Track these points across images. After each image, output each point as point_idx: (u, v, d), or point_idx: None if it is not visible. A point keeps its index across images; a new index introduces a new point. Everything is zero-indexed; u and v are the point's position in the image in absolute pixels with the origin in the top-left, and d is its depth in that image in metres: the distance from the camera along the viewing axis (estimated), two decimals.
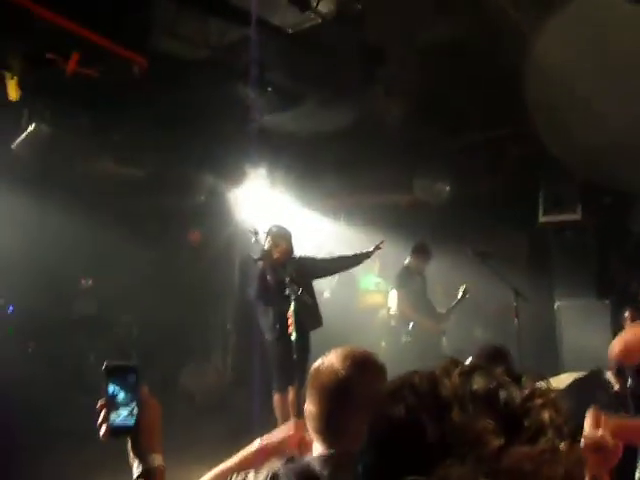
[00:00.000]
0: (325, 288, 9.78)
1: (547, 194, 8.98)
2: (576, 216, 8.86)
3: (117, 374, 1.61)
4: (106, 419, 1.59)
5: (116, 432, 1.60)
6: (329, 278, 8.79)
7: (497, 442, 0.80)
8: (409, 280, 8.62)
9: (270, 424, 5.94)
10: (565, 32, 6.17)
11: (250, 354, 8.84)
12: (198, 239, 9.75)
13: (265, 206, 8.79)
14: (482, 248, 8.21)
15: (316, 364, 2.13)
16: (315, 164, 9.28)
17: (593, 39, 6.24)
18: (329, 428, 2.03)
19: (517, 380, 0.90)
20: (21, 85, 4.47)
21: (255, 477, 1.99)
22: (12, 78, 4.45)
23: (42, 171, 7.50)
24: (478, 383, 0.87)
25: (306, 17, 6.37)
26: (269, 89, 7.29)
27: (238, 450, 2.28)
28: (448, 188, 9.42)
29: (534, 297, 8.32)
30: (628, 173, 7.95)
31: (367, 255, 7.42)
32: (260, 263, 6.50)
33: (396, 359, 9.17)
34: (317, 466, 1.98)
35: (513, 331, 7.65)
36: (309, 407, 2.07)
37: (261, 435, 2.28)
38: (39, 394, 7.69)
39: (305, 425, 2.12)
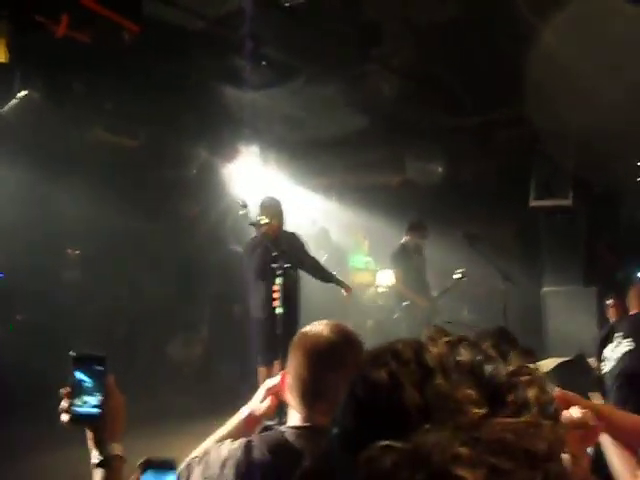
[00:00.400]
0: None
1: (539, 179, 8.98)
2: (567, 202, 8.87)
3: (84, 363, 1.60)
4: (70, 406, 1.58)
5: (79, 420, 1.59)
6: (319, 255, 8.79)
7: (478, 412, 0.78)
8: (406, 258, 8.58)
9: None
10: (562, 15, 6.16)
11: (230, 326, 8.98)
12: (195, 212, 9.73)
13: (257, 182, 8.78)
14: (472, 231, 8.24)
15: (303, 330, 2.10)
16: (308, 142, 9.27)
17: (590, 23, 6.23)
18: (314, 391, 1.99)
19: (504, 356, 0.87)
20: (10, 48, 4.43)
21: (230, 446, 1.97)
22: (0, 42, 4.40)
23: (32, 137, 7.44)
24: (464, 354, 0.85)
25: None
26: (263, 63, 7.25)
27: (221, 417, 2.28)
28: (440, 169, 9.42)
29: (522, 282, 8.36)
30: (619, 162, 7.98)
31: (338, 283, 7.45)
32: (259, 233, 6.42)
33: (382, 338, 9.22)
34: (291, 437, 1.96)
35: (499, 315, 7.68)
36: (295, 370, 2.02)
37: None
38: (28, 363, 7.70)
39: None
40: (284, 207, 6.85)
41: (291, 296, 6.29)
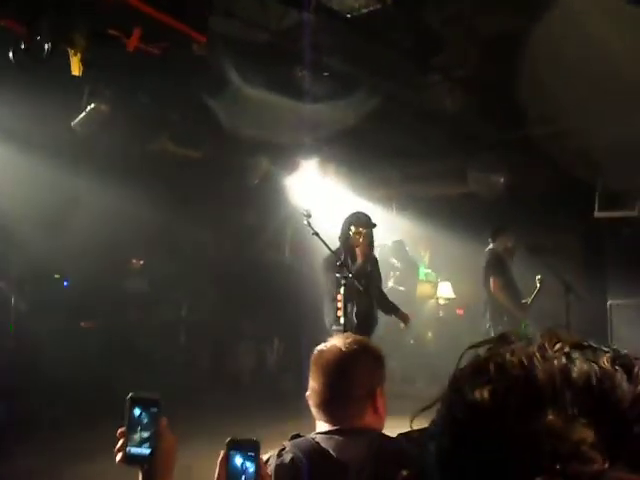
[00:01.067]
0: (390, 277, 9.80)
1: (604, 189, 8.81)
2: (634, 212, 8.68)
3: (141, 404, 1.68)
4: (124, 446, 1.66)
5: (132, 459, 1.67)
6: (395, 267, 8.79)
7: (598, 464, 0.65)
8: (504, 265, 8.17)
9: None
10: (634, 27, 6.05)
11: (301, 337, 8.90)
12: (255, 222, 9.80)
13: (317, 193, 8.81)
14: (535, 242, 8.10)
15: (319, 347, 2.29)
16: (368, 153, 9.27)
17: None
18: (332, 402, 2.17)
19: (629, 370, 0.72)
20: (84, 62, 4.56)
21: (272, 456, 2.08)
22: (75, 55, 4.54)
23: (101, 149, 7.63)
24: (580, 369, 0.71)
25: (365, 2, 6.34)
26: (325, 74, 7.29)
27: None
28: (502, 180, 9.29)
29: (586, 294, 8.19)
30: None
31: (398, 314, 7.00)
32: (347, 246, 6.38)
33: (442, 351, 9.15)
34: (322, 442, 2.09)
35: (562, 328, 7.52)
36: (313, 385, 2.20)
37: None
38: (92, 368, 7.87)
39: None
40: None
41: (368, 317, 6.32)
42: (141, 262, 9.70)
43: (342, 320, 5.65)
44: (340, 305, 5.65)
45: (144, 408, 1.67)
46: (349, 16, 6.58)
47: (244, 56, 6.88)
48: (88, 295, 8.74)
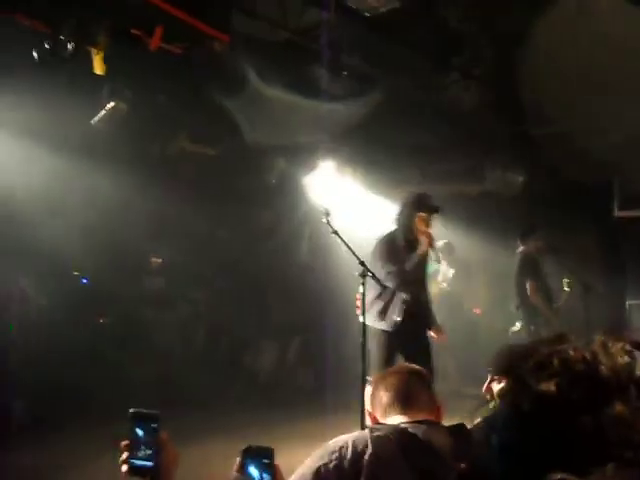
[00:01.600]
0: (445, 279, 9.76)
1: (623, 188, 8.77)
2: None
3: (141, 419, 1.78)
4: (128, 458, 1.77)
5: (135, 471, 1.77)
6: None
7: None
8: (537, 267, 8.06)
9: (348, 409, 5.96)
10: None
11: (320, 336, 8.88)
12: (273, 221, 9.80)
13: (335, 191, 8.79)
14: (553, 242, 8.06)
15: (378, 375, 2.87)
16: (387, 151, 9.25)
17: None
18: (407, 400, 2.53)
19: None
20: (106, 60, 4.59)
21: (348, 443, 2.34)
22: (98, 53, 4.57)
23: (120, 148, 7.66)
24: None
25: (384, 0, 6.32)
26: (344, 73, 7.29)
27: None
28: (521, 179, 9.24)
29: (605, 294, 8.15)
30: None
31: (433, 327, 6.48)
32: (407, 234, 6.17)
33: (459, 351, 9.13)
34: (408, 427, 2.39)
35: (582, 328, 7.49)
36: (385, 394, 2.57)
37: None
38: (108, 365, 7.92)
39: None
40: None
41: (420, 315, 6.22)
42: (160, 260, 9.73)
43: (361, 319, 5.56)
44: (359, 304, 5.56)
45: (144, 424, 1.77)
46: (368, 15, 6.58)
47: (262, 55, 6.89)
48: (106, 292, 8.78)
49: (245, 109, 7.61)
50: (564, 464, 0.68)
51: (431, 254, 6.33)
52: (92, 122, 6.66)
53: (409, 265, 6.12)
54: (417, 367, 2.81)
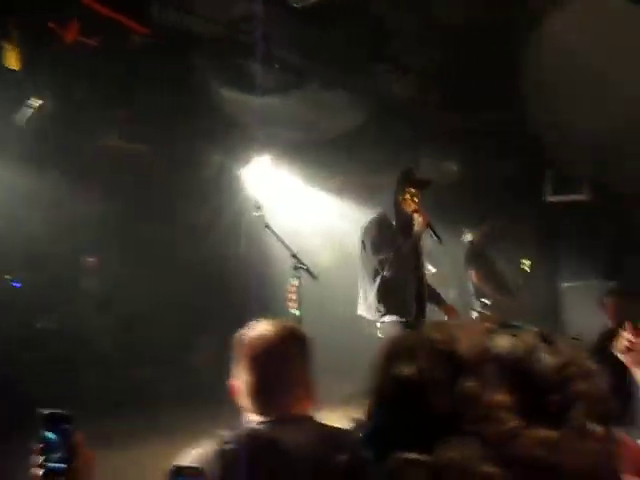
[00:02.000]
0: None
1: (555, 174, 8.93)
2: (584, 197, 8.81)
3: (52, 421, 1.71)
4: (41, 462, 1.69)
5: (49, 474, 1.70)
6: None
7: (513, 422, 0.69)
8: (482, 256, 8.22)
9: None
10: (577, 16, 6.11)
11: None
12: (209, 216, 9.68)
13: (270, 185, 8.75)
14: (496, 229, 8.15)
15: (245, 335, 2.22)
16: (320, 144, 9.24)
17: (605, 25, 6.19)
18: (266, 393, 2.12)
19: (552, 346, 0.77)
20: (22, 55, 4.45)
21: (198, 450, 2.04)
22: (13, 49, 4.42)
23: (46, 146, 7.47)
24: (503, 345, 0.75)
25: None
26: (276, 66, 7.24)
27: None
28: (455, 168, 9.34)
29: (539, 277, 8.30)
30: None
31: (441, 305, 6.07)
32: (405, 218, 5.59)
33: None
34: (264, 429, 2.05)
35: (515, 310, 7.62)
36: (245, 376, 2.14)
37: None
38: (49, 369, 7.75)
39: None
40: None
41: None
42: (95, 260, 9.55)
43: (298, 313, 5.49)
44: (293, 297, 5.48)
45: (56, 424, 1.71)
46: (298, 6, 6.53)
47: (195, 49, 6.81)
48: (41, 296, 8.60)
49: (180, 104, 7.53)
50: (418, 444, 0.70)
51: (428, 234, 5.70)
52: (16, 121, 6.48)
53: (406, 248, 5.53)
54: (291, 326, 2.32)
